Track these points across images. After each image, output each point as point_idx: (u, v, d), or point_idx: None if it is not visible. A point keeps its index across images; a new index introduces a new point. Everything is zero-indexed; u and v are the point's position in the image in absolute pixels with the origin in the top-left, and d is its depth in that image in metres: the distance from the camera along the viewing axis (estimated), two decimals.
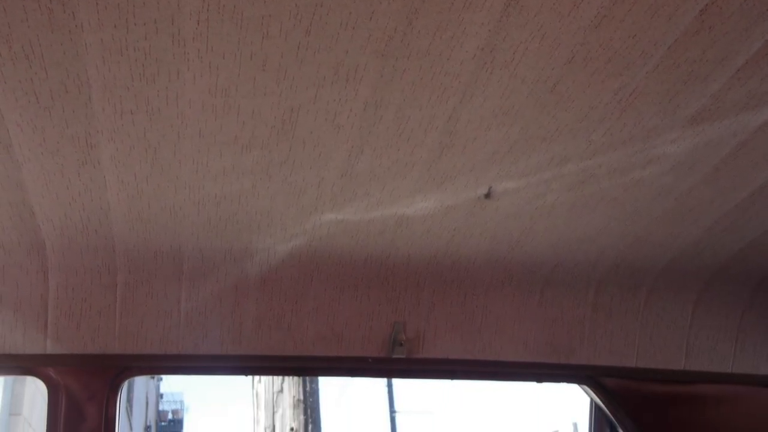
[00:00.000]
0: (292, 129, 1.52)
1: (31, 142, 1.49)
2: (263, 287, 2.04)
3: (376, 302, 2.12)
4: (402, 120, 1.52)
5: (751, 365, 2.39)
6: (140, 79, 1.34)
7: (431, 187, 1.76)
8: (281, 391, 6.81)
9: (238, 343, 2.04)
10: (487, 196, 1.82)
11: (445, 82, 1.42)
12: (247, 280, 2.02)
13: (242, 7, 1.21)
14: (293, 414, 6.75)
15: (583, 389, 2.36)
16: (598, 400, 2.32)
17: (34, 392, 7.39)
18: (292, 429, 6.70)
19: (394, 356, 2.13)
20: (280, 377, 6.79)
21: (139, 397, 18.25)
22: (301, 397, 6.81)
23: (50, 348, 1.92)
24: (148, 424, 20.66)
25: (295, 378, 6.80)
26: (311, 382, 6.96)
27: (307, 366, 2.15)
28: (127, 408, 14.56)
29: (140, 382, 18.31)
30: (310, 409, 6.84)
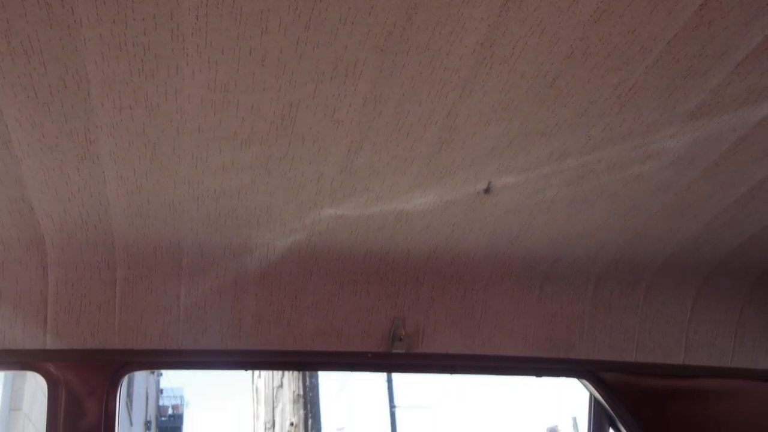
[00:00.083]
0: (291, 124, 1.52)
1: (30, 138, 1.49)
2: (263, 282, 2.04)
3: (375, 297, 2.12)
4: (401, 115, 1.52)
5: (750, 360, 2.39)
6: (139, 74, 1.34)
7: (430, 182, 1.76)
8: (281, 386, 6.82)
9: (238, 339, 2.04)
10: (487, 191, 1.82)
11: (445, 77, 1.42)
12: (247, 276, 2.03)
13: (241, 2, 1.21)
14: (293, 409, 6.76)
15: (582, 384, 2.36)
16: (597, 395, 2.33)
17: (35, 388, 7.40)
18: (292, 424, 6.71)
19: (394, 351, 2.13)
20: (280, 372, 6.80)
21: (139, 393, 18.28)
22: (301, 392, 6.81)
23: (50, 343, 1.92)
24: (148, 419, 20.70)
25: (295, 373, 6.81)
26: (311, 377, 6.96)
27: (306, 361, 2.15)
28: (127, 403, 14.58)
29: (140, 378, 18.34)
30: (310, 404, 6.85)
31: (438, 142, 1.62)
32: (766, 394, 2.40)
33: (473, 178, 1.76)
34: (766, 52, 1.43)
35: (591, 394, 2.37)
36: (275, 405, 6.80)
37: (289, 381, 6.83)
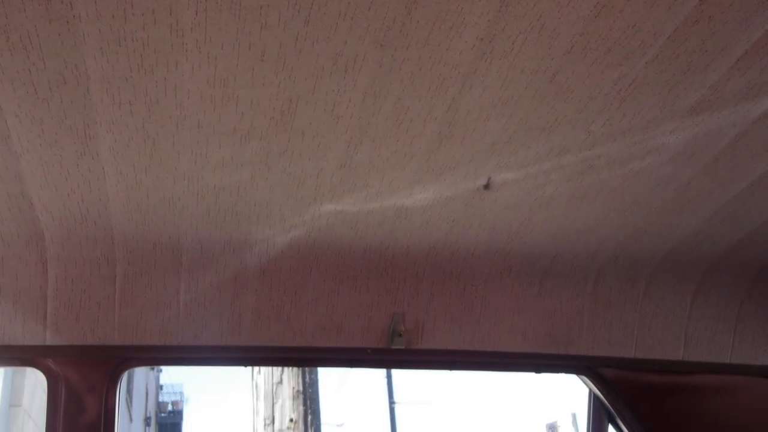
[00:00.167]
0: (290, 120, 1.52)
1: (29, 133, 1.48)
2: (262, 278, 2.04)
3: (375, 293, 2.12)
4: (401, 110, 1.52)
5: (750, 355, 2.39)
6: (138, 69, 1.34)
7: (430, 177, 1.76)
8: (281, 382, 6.83)
9: (238, 335, 2.04)
10: (486, 187, 1.82)
11: (444, 73, 1.42)
12: (246, 271, 2.03)
13: None
14: (293, 405, 6.77)
15: (581, 380, 2.36)
16: (596, 391, 2.33)
17: (34, 384, 7.40)
18: (291, 420, 6.72)
19: (393, 347, 2.13)
20: (280, 368, 6.81)
21: (138, 389, 18.29)
22: (301, 388, 6.83)
23: (50, 339, 1.93)
24: (147, 415, 20.72)
25: (295, 369, 6.82)
26: (310, 373, 6.97)
27: (306, 357, 2.15)
28: (126, 399, 14.59)
29: (140, 374, 18.35)
30: (309, 399, 6.86)
31: (438, 138, 1.62)
32: (765, 390, 2.40)
33: (473, 173, 1.76)
34: (766, 48, 1.43)
35: (590, 390, 2.38)
36: (275, 401, 6.81)
37: (289, 377, 6.84)
